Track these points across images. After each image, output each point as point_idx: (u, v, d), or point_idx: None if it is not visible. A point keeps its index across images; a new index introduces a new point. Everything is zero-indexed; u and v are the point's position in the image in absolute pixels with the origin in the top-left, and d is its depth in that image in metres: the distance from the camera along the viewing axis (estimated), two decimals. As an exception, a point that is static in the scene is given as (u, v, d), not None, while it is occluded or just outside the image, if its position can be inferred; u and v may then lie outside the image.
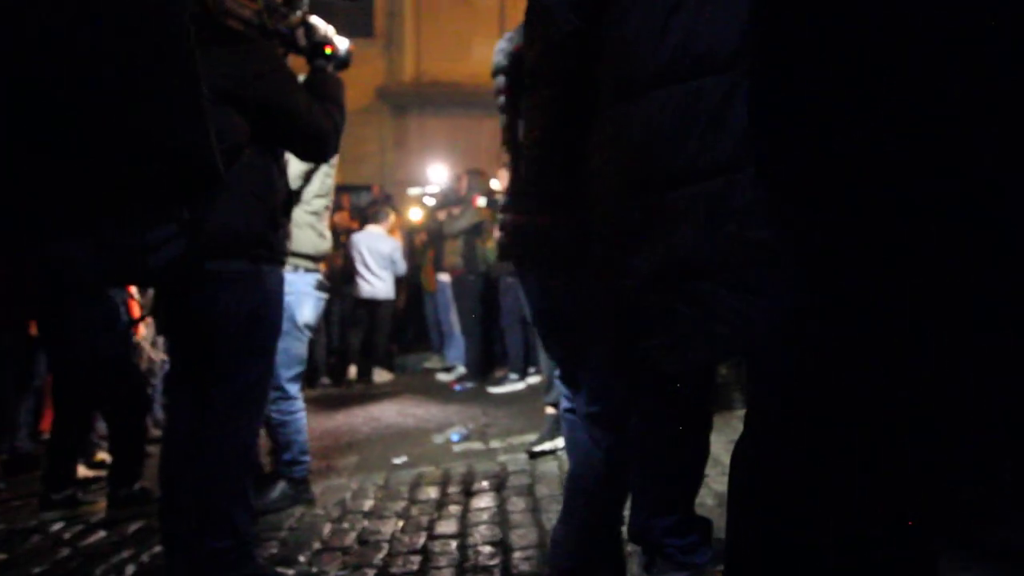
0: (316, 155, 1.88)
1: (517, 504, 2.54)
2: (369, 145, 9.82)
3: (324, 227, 2.84)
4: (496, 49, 1.99)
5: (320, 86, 1.87)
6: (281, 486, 2.79)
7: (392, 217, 6.39)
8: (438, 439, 3.87)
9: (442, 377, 6.16)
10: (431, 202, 6.64)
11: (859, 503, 0.58)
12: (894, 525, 0.59)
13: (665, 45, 1.18)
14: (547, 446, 3.21)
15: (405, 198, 7.69)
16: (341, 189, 4.72)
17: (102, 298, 2.77)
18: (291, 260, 2.74)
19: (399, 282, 6.59)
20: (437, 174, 7.54)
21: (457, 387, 5.65)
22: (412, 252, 7.31)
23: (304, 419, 2.85)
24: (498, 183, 5.11)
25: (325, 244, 2.85)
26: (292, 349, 2.78)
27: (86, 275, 2.39)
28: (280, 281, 1.86)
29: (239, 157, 1.72)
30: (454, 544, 2.20)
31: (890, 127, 0.53)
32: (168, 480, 1.82)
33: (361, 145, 9.02)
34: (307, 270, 2.79)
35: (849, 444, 0.58)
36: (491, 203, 5.43)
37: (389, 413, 4.80)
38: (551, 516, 2.37)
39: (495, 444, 3.63)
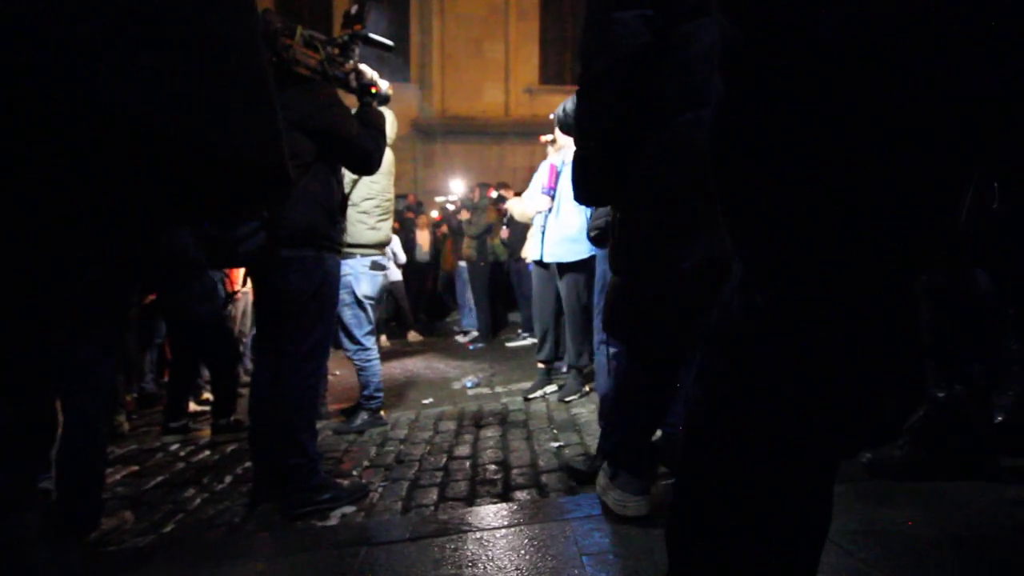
0: (364, 169, 1.87)
1: (515, 434, 2.55)
2: (405, 164, 9.74)
3: (374, 222, 2.76)
4: None
5: (367, 117, 1.85)
6: (362, 415, 2.82)
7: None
8: (456, 385, 3.89)
9: (459, 339, 6.17)
10: (452, 207, 6.63)
11: (787, 428, 0.57)
12: (814, 447, 0.58)
13: None
14: (538, 393, 3.23)
15: (432, 203, 7.67)
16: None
17: (205, 277, 2.77)
18: (350, 249, 2.74)
19: (423, 266, 6.63)
20: (456, 186, 7.52)
21: (471, 347, 5.66)
22: (436, 242, 7.30)
23: (378, 365, 2.86)
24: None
25: (376, 234, 2.79)
26: (359, 314, 2.79)
27: (194, 259, 2.39)
28: (337, 265, 1.85)
29: (307, 171, 1.71)
30: (468, 463, 2.22)
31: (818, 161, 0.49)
32: (255, 413, 1.84)
33: (398, 164, 8.90)
34: (362, 255, 2.76)
35: (779, 379, 0.56)
36: (499, 199, 5.49)
37: (419, 366, 4.82)
38: (540, 443, 2.39)
39: (499, 390, 3.64)
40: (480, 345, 5.68)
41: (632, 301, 1.33)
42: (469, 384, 3.85)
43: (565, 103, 1.90)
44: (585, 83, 1.21)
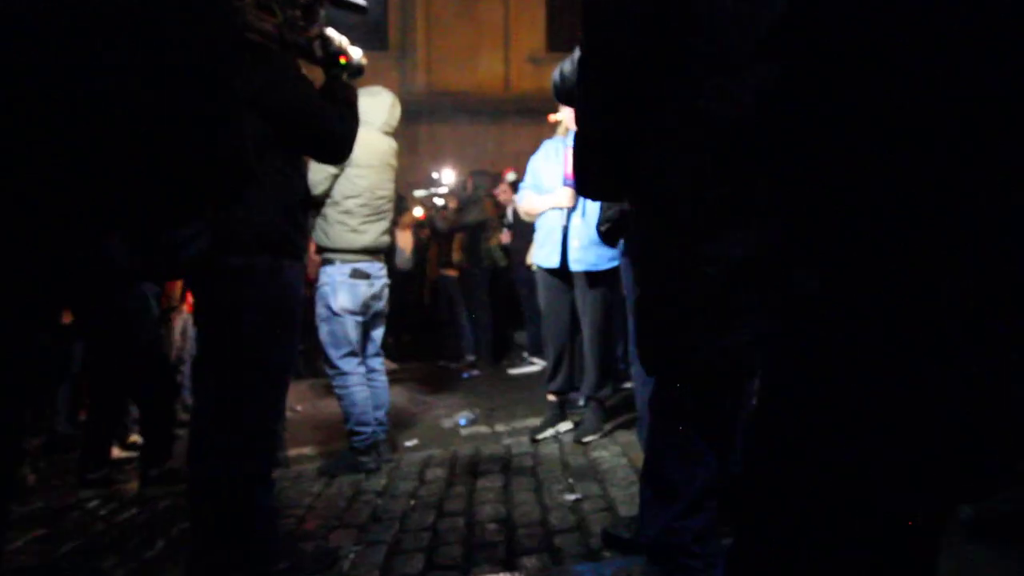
0: (332, 156, 1.87)
1: (521, 484, 2.54)
2: (383, 150, 9.82)
3: (357, 223, 2.79)
4: None
5: (335, 93, 1.85)
6: (343, 455, 2.84)
7: None
8: (446, 423, 3.87)
9: (450, 364, 6.15)
10: (440, 202, 6.63)
11: (872, 475, 0.58)
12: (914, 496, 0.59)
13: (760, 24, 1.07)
14: (549, 432, 3.20)
15: (414, 199, 7.70)
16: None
17: (135, 290, 2.77)
18: (327, 255, 2.75)
19: (405, 275, 6.65)
20: (446, 176, 7.52)
21: (464, 374, 5.65)
22: (420, 245, 7.30)
23: (359, 393, 2.85)
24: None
25: (359, 238, 2.81)
26: (336, 332, 2.80)
27: (122, 269, 2.39)
28: (299, 275, 1.84)
29: (261, 160, 1.70)
30: (461, 521, 2.20)
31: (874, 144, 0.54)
32: (195, 460, 1.80)
33: (375, 150, 9.04)
34: (342, 261, 2.78)
35: (862, 419, 0.58)
36: (517, 182, 5.52)
37: (400, 399, 4.78)
38: (553, 495, 2.37)
39: (500, 428, 3.63)
40: (476, 372, 5.67)
41: (653, 314, 1.31)
42: (463, 422, 3.84)
43: (563, 65, 1.90)
44: (586, 63, 1.27)
